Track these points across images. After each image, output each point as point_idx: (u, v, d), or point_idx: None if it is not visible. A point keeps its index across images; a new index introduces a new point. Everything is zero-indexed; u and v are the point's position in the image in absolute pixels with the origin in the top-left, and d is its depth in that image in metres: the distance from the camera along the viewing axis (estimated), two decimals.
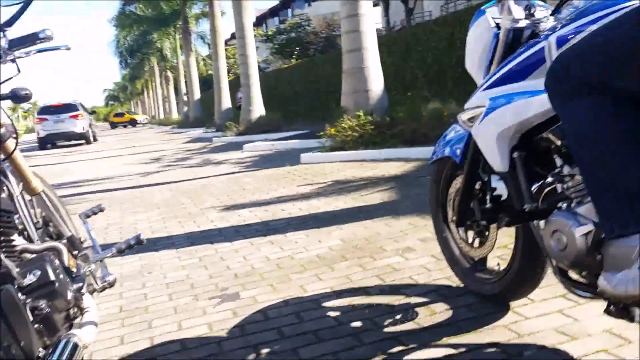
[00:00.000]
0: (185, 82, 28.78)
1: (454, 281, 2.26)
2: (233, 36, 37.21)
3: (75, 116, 19.30)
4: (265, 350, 1.87)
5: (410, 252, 2.77)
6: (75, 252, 1.88)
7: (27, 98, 1.78)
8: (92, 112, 24.34)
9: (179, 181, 6.81)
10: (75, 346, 1.20)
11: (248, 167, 7.51)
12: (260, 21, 47.63)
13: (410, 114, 6.76)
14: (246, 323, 2.13)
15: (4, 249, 1.40)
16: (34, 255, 1.51)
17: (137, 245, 1.91)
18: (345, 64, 7.46)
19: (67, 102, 19.89)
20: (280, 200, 4.68)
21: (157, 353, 1.96)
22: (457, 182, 2.06)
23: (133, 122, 47.09)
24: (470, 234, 2.06)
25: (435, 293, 2.20)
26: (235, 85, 20.14)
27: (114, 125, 47.78)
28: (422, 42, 11.44)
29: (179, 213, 4.65)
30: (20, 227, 1.62)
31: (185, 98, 30.81)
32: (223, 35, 18.02)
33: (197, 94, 25.60)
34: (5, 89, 1.74)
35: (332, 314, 2.13)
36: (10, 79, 1.73)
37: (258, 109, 13.32)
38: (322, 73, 16.09)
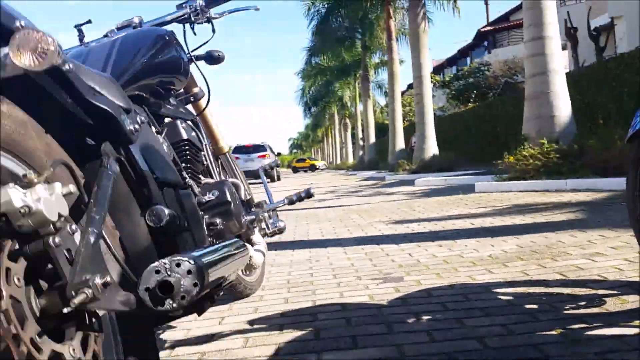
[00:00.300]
0: (362, 128, 29.88)
1: None
2: (408, 87, 37.97)
3: (263, 156, 21.12)
4: (426, 317, 1.76)
5: (599, 256, 2.44)
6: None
7: (220, 59, 1.98)
8: (278, 154, 26.46)
9: (351, 205, 6.96)
10: (243, 246, 1.24)
11: (419, 197, 7.41)
12: (437, 71, 47.86)
13: (602, 142, 6.09)
14: (408, 297, 2.04)
15: (189, 173, 1.54)
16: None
17: (307, 199, 1.98)
18: (528, 88, 7.05)
19: (256, 143, 21.91)
20: (451, 218, 4.50)
21: (318, 311, 1.96)
22: None
23: (313, 167, 49.95)
24: None
25: (629, 287, 1.89)
26: (409, 131, 20.33)
27: (295, 170, 51.16)
28: (615, 76, 10.37)
29: (348, 224, 4.73)
30: (205, 163, 1.78)
31: (361, 142, 31.93)
32: (400, 79, 18.44)
33: (372, 138, 26.35)
34: (200, 51, 1.97)
35: (503, 297, 1.95)
36: (206, 42, 1.95)
37: (432, 148, 13.20)
38: (500, 114, 15.43)
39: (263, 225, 1.96)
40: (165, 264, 0.84)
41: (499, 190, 6.49)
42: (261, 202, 1.98)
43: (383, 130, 32.32)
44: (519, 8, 38.13)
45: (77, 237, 0.85)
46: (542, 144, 6.43)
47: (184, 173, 1.41)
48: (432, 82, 18.76)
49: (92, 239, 0.82)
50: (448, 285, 2.17)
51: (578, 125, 7.28)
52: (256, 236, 1.82)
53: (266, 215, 1.98)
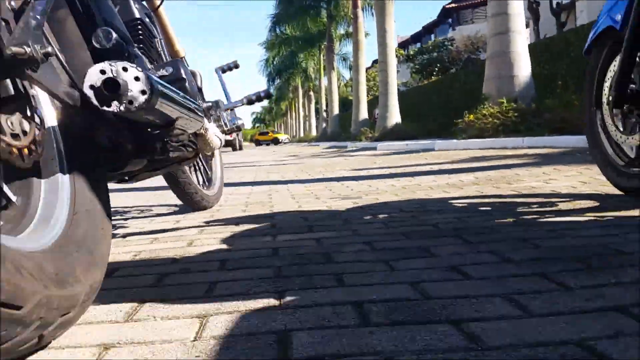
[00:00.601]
0: (326, 100, 29.80)
1: (606, 191, 1.98)
2: (373, 63, 37.96)
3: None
4: (382, 216, 1.77)
5: (553, 181, 2.50)
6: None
7: None
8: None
9: (314, 162, 6.95)
10: (201, 111, 1.20)
11: (379, 156, 7.46)
12: (402, 47, 47.96)
13: (560, 103, 6.24)
14: (365, 207, 2.05)
15: (142, 51, 1.48)
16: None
17: (265, 99, 1.94)
18: (489, 48, 7.13)
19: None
20: (410, 166, 4.55)
21: (276, 214, 1.95)
22: (617, 61, 1.80)
23: (276, 141, 49.62)
24: (628, 122, 1.78)
25: (581, 197, 1.94)
26: (372, 104, 20.40)
27: (258, 143, 50.72)
28: (574, 47, 10.61)
29: (310, 172, 4.72)
30: (159, 51, 1.72)
31: (324, 115, 31.89)
32: (364, 49, 18.38)
33: (335, 110, 26.32)
34: None
35: (458, 204, 1.97)
36: None
37: (394, 117, 13.28)
38: (462, 87, 15.62)
39: (221, 122, 1.91)
40: (111, 65, 0.80)
41: (458, 148, 6.58)
42: (219, 100, 1.93)
43: (347, 106, 32.34)
44: None
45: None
46: (501, 103, 6.54)
47: (134, 48, 1.35)
48: (396, 55, 18.81)
49: (35, 17, 0.77)
50: (405, 200, 2.19)
51: (538, 90, 7.43)
52: (212, 129, 1.77)
53: (224, 113, 1.93)
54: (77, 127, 1.08)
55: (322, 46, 28.69)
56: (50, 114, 0.95)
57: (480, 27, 28.25)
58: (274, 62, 34.36)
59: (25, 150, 0.84)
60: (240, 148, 23.12)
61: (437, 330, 0.70)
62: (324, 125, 31.60)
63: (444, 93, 17.42)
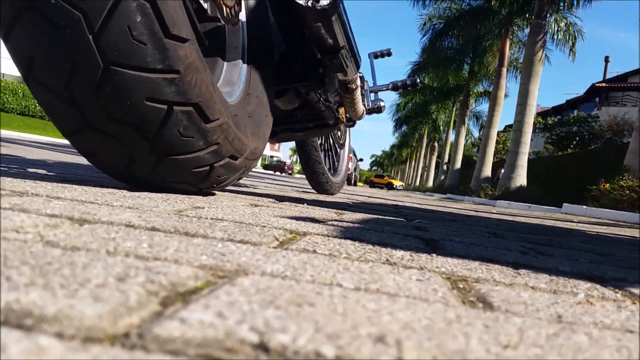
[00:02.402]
0: (449, 153, 29.39)
1: None
2: (506, 128, 36.86)
3: (350, 158, 21.36)
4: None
5: None
6: None
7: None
8: (360, 160, 26.58)
9: (420, 204, 6.91)
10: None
11: (493, 214, 7.23)
12: (541, 116, 46.15)
13: None
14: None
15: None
16: None
17: (411, 88, 2.04)
18: (638, 120, 6.71)
19: None
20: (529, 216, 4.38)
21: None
22: None
23: (390, 185, 49.49)
24: None
25: None
26: (496, 167, 19.79)
27: (372, 185, 50.96)
28: None
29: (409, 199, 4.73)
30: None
31: (444, 167, 31.40)
32: (501, 107, 18.01)
33: (457, 165, 25.84)
34: None
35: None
36: None
37: (521, 177, 12.79)
38: (597, 164, 14.65)
39: (365, 100, 2.04)
40: None
41: (587, 214, 6.21)
42: (366, 81, 2.06)
43: (468, 165, 31.60)
44: (639, 71, 36.13)
45: None
46: None
47: None
48: (534, 122, 18.17)
49: None
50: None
51: None
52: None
53: (369, 93, 2.07)
54: (258, 28, 1.37)
55: (457, 100, 28.49)
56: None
57: (629, 110, 26.48)
58: (405, 108, 34.66)
59: (232, 11, 1.12)
60: (355, 184, 23.47)
61: None
62: (442, 177, 31.12)
63: (576, 166, 16.47)
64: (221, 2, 1.29)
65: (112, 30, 0.96)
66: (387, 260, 0.72)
